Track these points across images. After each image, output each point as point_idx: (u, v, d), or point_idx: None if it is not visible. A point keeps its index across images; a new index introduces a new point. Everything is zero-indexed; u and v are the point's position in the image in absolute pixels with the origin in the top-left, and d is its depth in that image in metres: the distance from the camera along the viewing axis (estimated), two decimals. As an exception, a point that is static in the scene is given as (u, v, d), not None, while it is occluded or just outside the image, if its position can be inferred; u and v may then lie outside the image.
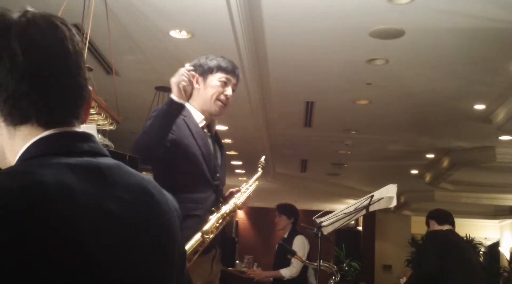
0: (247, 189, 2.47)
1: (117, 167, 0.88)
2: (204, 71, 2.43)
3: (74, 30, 0.90)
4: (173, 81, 2.26)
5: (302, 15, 3.88)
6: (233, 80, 2.46)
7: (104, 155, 0.88)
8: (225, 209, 2.28)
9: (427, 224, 4.45)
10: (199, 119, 2.42)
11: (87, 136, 0.88)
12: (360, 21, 3.91)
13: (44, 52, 0.84)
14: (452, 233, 4.25)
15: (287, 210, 5.20)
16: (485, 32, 4.00)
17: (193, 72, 2.33)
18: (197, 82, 2.44)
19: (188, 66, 2.41)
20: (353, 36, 4.18)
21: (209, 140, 2.47)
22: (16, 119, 0.84)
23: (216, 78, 2.41)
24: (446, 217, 4.34)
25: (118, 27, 3.96)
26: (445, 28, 3.98)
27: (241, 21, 3.88)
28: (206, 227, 2.13)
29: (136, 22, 3.94)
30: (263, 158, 2.65)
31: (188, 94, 2.28)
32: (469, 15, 3.74)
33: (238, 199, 2.38)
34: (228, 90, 2.43)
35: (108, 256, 0.77)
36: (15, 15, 0.85)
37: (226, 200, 2.40)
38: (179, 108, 2.24)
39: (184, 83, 2.25)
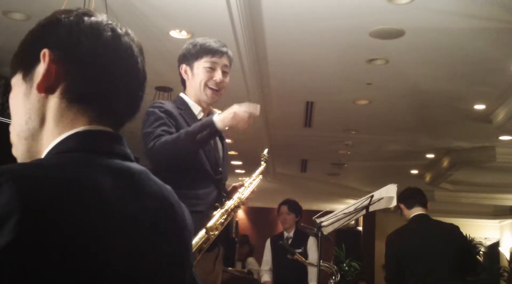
0: (250, 183, 2.36)
1: (144, 173, 0.89)
2: (190, 60, 2.30)
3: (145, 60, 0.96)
4: (233, 118, 2.10)
5: (302, 15, 3.88)
6: (222, 61, 2.30)
7: (132, 160, 0.89)
8: (230, 204, 2.17)
9: (400, 208, 4.07)
10: (197, 111, 2.32)
11: (120, 139, 0.89)
12: (360, 21, 3.91)
13: (124, 56, 0.89)
14: (414, 226, 3.92)
15: (297, 208, 5.00)
16: (485, 32, 4.00)
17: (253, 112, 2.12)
18: (185, 73, 2.32)
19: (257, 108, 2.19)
20: (353, 36, 4.18)
21: None
22: (75, 96, 0.85)
23: (201, 65, 2.27)
24: (414, 198, 3.99)
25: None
26: (445, 28, 3.98)
27: (241, 21, 3.88)
28: (210, 223, 2.02)
29: (136, 22, 3.94)
30: (265, 151, 2.54)
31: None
32: (469, 15, 3.74)
33: (242, 193, 2.27)
34: (217, 75, 2.27)
35: (122, 260, 0.77)
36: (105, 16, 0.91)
37: (229, 195, 2.30)
38: (218, 133, 2.15)
39: (240, 126, 2.10)
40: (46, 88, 0.85)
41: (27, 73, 0.87)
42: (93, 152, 0.83)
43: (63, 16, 0.88)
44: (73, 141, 0.83)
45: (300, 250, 4.52)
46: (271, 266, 4.94)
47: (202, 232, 1.97)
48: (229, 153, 8.47)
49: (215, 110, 2.43)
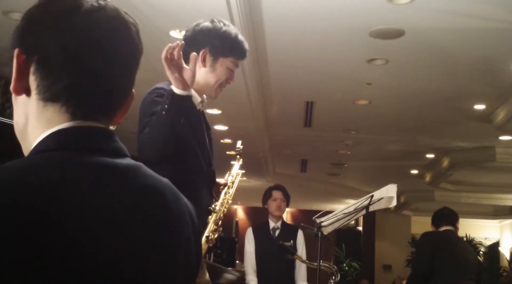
0: (233, 181, 2.26)
1: (135, 169, 0.85)
2: (216, 51, 2.07)
3: (139, 34, 0.88)
4: (168, 73, 1.81)
5: (302, 15, 3.88)
6: (240, 64, 2.17)
7: (124, 155, 0.85)
8: (221, 208, 2.10)
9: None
10: (197, 101, 2.08)
11: (108, 134, 0.85)
12: (360, 21, 3.91)
13: (102, 39, 0.82)
14: (446, 233, 4.23)
15: (288, 195, 4.50)
16: (485, 32, 4.00)
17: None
18: (204, 59, 2.07)
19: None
20: (353, 36, 4.18)
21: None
22: (48, 94, 0.81)
23: (226, 64, 2.08)
24: (442, 219, 4.31)
25: None
26: (445, 28, 3.98)
27: (241, 21, 3.88)
28: (207, 232, 1.97)
29: (136, 22, 3.94)
30: (239, 143, 2.37)
31: (190, 79, 1.82)
32: (469, 15, 3.74)
33: (229, 194, 2.19)
34: (233, 78, 2.14)
35: (110, 260, 0.76)
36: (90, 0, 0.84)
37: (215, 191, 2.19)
38: (184, 100, 1.83)
39: (175, 66, 1.79)
40: (20, 89, 0.82)
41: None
42: (74, 150, 0.80)
43: (29, 12, 0.83)
44: (52, 140, 0.80)
45: (289, 244, 4.22)
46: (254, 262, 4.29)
47: (203, 242, 1.93)
48: (229, 152, 8.48)
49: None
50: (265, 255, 4.18)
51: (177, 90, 1.81)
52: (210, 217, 2.04)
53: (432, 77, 5.05)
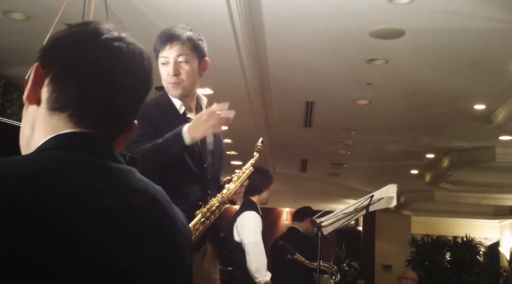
0: (239, 177, 2.20)
1: (128, 171, 0.89)
2: (155, 59, 2.15)
3: (151, 68, 0.97)
4: (208, 124, 1.97)
5: (302, 15, 3.88)
6: (172, 52, 2.12)
7: (117, 161, 0.90)
8: (212, 202, 2.08)
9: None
10: (178, 105, 2.18)
11: (106, 141, 0.90)
12: (360, 21, 3.91)
13: (112, 65, 0.90)
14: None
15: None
16: (485, 32, 4.00)
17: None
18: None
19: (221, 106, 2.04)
20: (353, 36, 4.18)
21: None
22: (57, 104, 0.88)
23: (159, 62, 2.14)
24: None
25: (118, 27, 3.96)
26: (445, 28, 3.98)
27: (241, 21, 3.88)
28: (191, 224, 1.96)
29: (136, 22, 3.94)
30: (260, 140, 2.34)
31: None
32: (469, 15, 3.74)
33: (228, 189, 2.14)
34: (169, 69, 2.12)
35: (102, 255, 0.77)
36: (110, 25, 0.94)
37: (220, 190, 2.18)
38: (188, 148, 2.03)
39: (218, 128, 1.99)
40: (33, 99, 0.90)
41: None
42: (69, 149, 0.85)
43: (56, 35, 0.92)
44: (53, 142, 0.86)
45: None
46: None
47: None
48: (229, 153, 8.49)
49: (202, 97, 2.32)
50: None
51: (188, 140, 1.97)
52: (197, 211, 2.03)
53: (432, 77, 5.05)
